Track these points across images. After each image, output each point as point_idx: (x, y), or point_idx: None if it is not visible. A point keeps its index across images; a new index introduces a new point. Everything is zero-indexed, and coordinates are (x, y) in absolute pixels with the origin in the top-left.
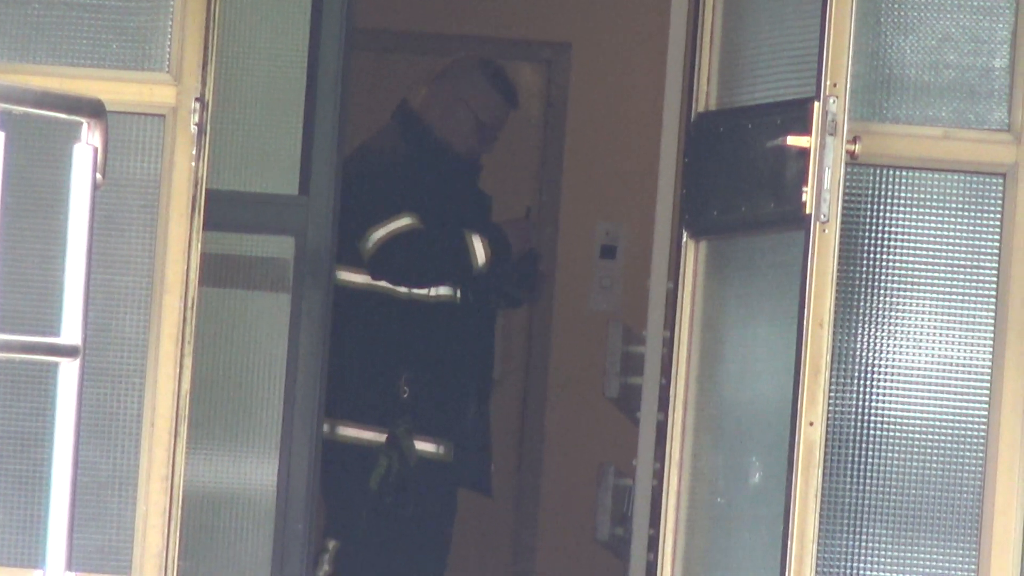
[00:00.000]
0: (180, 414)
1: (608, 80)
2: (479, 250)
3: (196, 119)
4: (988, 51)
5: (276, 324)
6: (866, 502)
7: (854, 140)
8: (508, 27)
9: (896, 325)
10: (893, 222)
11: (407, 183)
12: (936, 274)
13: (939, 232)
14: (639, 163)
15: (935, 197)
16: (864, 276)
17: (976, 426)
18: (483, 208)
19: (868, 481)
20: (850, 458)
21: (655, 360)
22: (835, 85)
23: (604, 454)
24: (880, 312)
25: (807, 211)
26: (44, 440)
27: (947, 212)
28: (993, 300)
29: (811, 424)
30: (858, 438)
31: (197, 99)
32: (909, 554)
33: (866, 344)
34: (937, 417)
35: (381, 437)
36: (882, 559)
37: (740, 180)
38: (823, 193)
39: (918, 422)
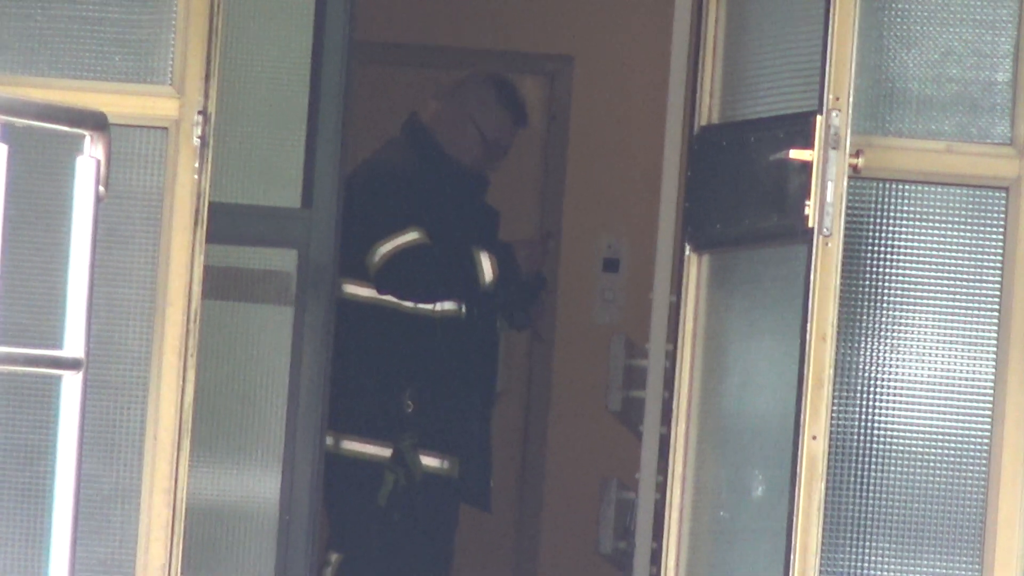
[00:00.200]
0: (183, 427)
1: (611, 93)
2: (486, 267)
3: (199, 132)
4: (991, 65)
5: (279, 337)
6: (869, 515)
7: (857, 154)
8: (511, 40)
9: (899, 338)
10: (896, 236)
11: (414, 197)
12: (939, 288)
13: (942, 246)
14: (642, 176)
15: (938, 211)
16: (867, 290)
17: (979, 439)
18: (491, 223)
19: (871, 494)
20: (853, 471)
21: (658, 373)
22: (838, 99)
23: (607, 467)
24: (883, 326)
25: (810, 225)
26: (47, 453)
27: (950, 226)
28: (996, 313)
29: (814, 437)
30: (861, 451)
31: (200, 112)
32: (912, 567)
33: (869, 357)
34: (940, 430)
35: (384, 451)
36: (885, 572)
37: (743, 193)
38: (826, 207)
39: (921, 435)
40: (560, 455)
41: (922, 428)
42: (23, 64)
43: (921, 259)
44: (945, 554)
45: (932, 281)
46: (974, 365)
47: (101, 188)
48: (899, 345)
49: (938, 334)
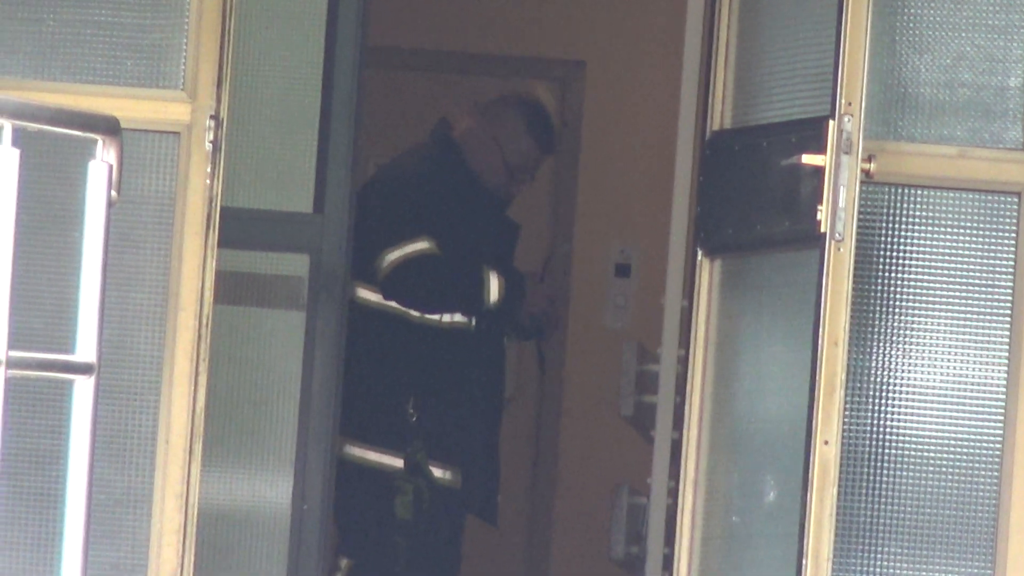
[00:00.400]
0: (195, 431)
1: (622, 98)
2: (493, 287)
3: (211, 137)
4: (1003, 70)
5: (291, 342)
6: (881, 520)
7: (869, 159)
8: (522, 45)
9: (911, 344)
10: (908, 241)
11: (431, 206)
12: (951, 293)
13: (954, 251)
14: (653, 181)
15: (950, 216)
16: (879, 295)
17: (991, 444)
18: (510, 236)
19: (883, 499)
20: (865, 476)
21: (670, 378)
22: (850, 104)
23: (619, 472)
24: (895, 331)
25: (822, 230)
26: (59, 457)
27: (962, 231)
28: (1008, 319)
29: (826, 443)
30: (873, 456)
31: (212, 117)
32: (925, 572)
33: (881, 362)
34: (952, 435)
35: (385, 458)
36: None
37: (755, 198)
38: (838, 212)
39: (933, 440)
40: (572, 460)
41: (934, 433)
42: (35, 68)
43: (933, 264)
44: (957, 559)
45: (944, 286)
46: (986, 370)
47: (113, 192)
48: (911, 350)
49: (950, 339)
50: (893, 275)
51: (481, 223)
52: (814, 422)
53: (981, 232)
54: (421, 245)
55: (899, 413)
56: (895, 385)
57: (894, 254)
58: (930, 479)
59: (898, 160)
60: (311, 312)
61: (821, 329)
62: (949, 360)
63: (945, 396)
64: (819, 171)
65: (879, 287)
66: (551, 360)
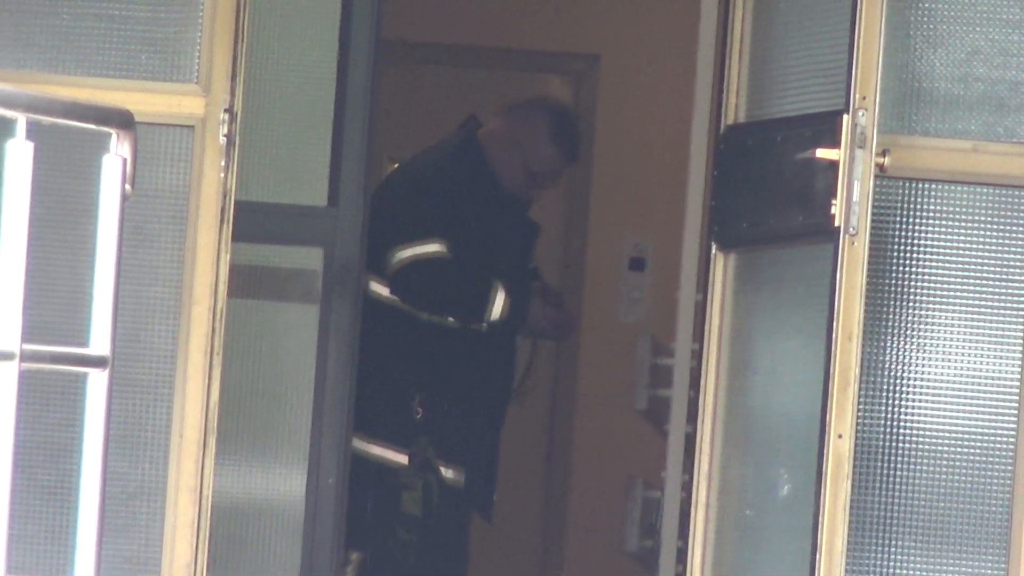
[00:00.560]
0: (209, 425)
1: (636, 92)
2: (498, 305)
3: (225, 130)
4: (1017, 64)
5: (305, 336)
6: (895, 514)
7: (883, 153)
8: (537, 39)
9: (925, 338)
10: (922, 235)
11: (448, 206)
12: (965, 286)
13: (968, 245)
14: (668, 175)
15: (964, 210)
16: (893, 289)
17: (1005, 438)
18: (530, 237)
19: (897, 493)
20: (879, 470)
21: (684, 372)
22: (864, 98)
23: (632, 466)
24: (909, 325)
25: (836, 224)
26: (73, 451)
27: (976, 225)
28: (1022, 313)
29: (840, 436)
30: (887, 451)
31: (226, 110)
32: (938, 566)
33: (895, 357)
34: (966, 429)
35: (388, 453)
36: (911, 571)
37: (769, 192)
38: (852, 206)
39: (947, 434)
40: (586, 454)
41: (948, 427)
42: (49, 62)
43: (947, 258)
44: (970, 553)
45: (958, 280)
46: (1000, 364)
47: (127, 186)
48: (925, 344)
49: (964, 333)
50: (907, 269)
51: (500, 222)
52: (828, 416)
53: (995, 226)
54: (433, 247)
55: (913, 407)
56: (909, 379)
57: (908, 248)
58: (943, 473)
59: (912, 154)
60: (325, 306)
61: (835, 323)
62: (963, 354)
63: (959, 390)
64: (833, 165)
65: (893, 281)
66: (566, 354)
